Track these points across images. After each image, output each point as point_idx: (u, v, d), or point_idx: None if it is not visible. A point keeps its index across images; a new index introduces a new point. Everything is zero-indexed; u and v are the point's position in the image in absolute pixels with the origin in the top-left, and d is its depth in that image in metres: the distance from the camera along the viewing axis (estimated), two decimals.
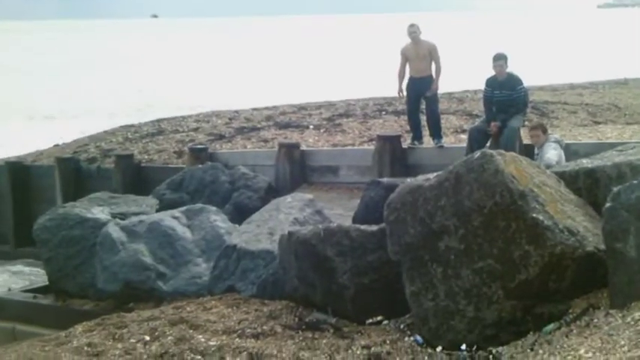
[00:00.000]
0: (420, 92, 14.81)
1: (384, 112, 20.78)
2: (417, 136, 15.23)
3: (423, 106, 15.28)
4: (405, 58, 14.82)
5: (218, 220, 12.72)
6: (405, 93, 15.08)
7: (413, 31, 14.59)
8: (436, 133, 14.99)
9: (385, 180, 11.97)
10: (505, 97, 13.28)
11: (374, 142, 16.07)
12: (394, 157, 14.75)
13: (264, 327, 8.19)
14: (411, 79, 14.93)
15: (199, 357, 7.36)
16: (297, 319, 8.54)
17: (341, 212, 13.01)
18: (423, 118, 15.42)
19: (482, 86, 14.10)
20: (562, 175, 8.17)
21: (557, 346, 5.57)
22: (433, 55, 14.62)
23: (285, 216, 11.10)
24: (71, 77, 58.82)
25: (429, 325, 7.27)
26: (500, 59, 13.23)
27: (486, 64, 13.48)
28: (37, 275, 15.37)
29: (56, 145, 24.46)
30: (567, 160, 11.04)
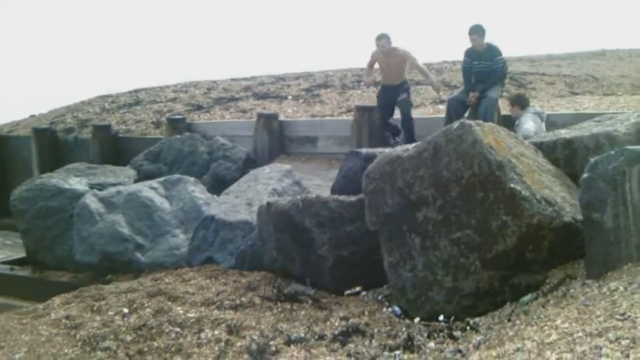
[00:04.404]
0: (392, 100, 14.42)
1: (362, 83, 20.74)
2: (396, 133, 14.66)
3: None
4: (374, 60, 14.63)
5: (196, 190, 12.70)
6: (372, 82, 15.43)
7: (381, 44, 14.06)
8: (409, 139, 13.71)
9: (364, 150, 11.94)
10: (484, 68, 13.29)
11: (352, 113, 16.07)
12: (372, 127, 14.74)
13: (243, 298, 8.18)
14: (382, 87, 14.74)
15: (178, 329, 7.33)
16: (275, 290, 8.54)
17: (319, 183, 13.02)
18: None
19: (461, 57, 14.08)
20: (540, 146, 8.18)
21: (534, 317, 5.59)
22: (410, 63, 14.28)
23: (264, 186, 11.09)
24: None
25: (407, 296, 7.28)
26: (474, 32, 13.21)
27: (465, 34, 13.45)
28: (14, 247, 15.30)
29: (32, 116, 24.32)
30: (546, 131, 11.07)
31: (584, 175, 6.18)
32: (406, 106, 14.17)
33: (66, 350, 7.13)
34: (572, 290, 5.90)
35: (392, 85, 14.32)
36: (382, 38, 13.97)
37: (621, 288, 5.24)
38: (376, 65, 14.87)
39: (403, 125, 14.41)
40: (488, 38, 13.35)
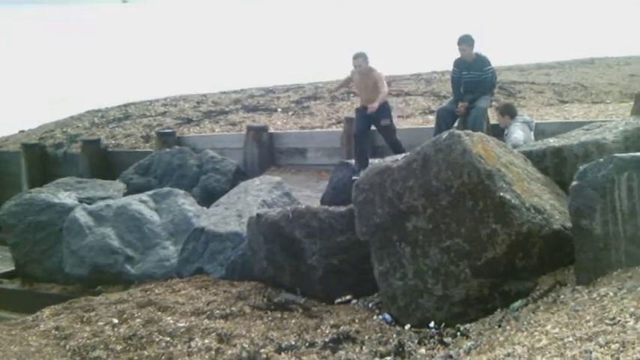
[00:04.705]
0: (370, 122, 12.95)
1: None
2: (363, 165, 11.99)
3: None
4: (351, 80, 13.34)
5: (186, 203, 12.68)
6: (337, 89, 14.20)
7: (358, 64, 12.64)
8: None
9: (353, 162, 11.99)
10: (473, 78, 13.26)
11: (342, 124, 16.07)
12: None
13: (233, 308, 8.19)
14: (360, 108, 13.14)
15: (168, 338, 7.33)
16: (265, 299, 8.56)
17: (309, 194, 13.03)
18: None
19: (450, 67, 14.09)
20: (529, 155, 8.23)
21: (525, 322, 5.61)
22: (379, 85, 12.66)
23: (254, 198, 11.09)
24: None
25: (398, 303, 7.30)
26: (463, 42, 13.16)
27: (454, 44, 13.44)
28: (3, 260, 15.25)
29: (22, 131, 24.24)
30: (535, 139, 11.10)
31: (574, 183, 6.22)
32: (390, 135, 12.99)
33: None
34: (562, 296, 5.93)
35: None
36: (359, 57, 12.71)
37: (611, 293, 5.27)
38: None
39: (392, 150, 12.74)
40: (478, 48, 13.36)
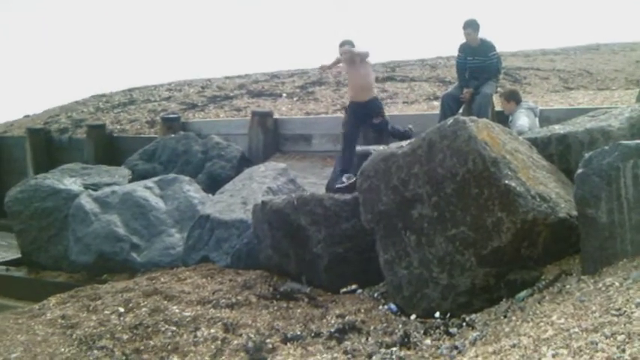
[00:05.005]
0: (362, 118, 12.33)
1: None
2: (346, 169, 11.79)
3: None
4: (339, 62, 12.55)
5: (191, 190, 12.70)
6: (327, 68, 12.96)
7: (344, 51, 12.01)
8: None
9: (358, 148, 11.92)
10: (478, 64, 13.23)
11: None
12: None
13: (239, 297, 8.19)
14: (350, 105, 12.54)
15: (174, 328, 7.34)
16: (271, 288, 8.56)
17: (314, 181, 13.01)
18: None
19: (455, 53, 14.05)
20: (534, 142, 8.18)
21: (530, 313, 5.59)
22: (363, 57, 12.12)
23: (259, 185, 11.09)
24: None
25: (403, 293, 7.29)
26: (468, 27, 13.10)
27: (459, 30, 13.41)
28: (10, 247, 15.30)
29: (26, 116, 24.30)
30: (540, 126, 11.07)
31: (579, 171, 6.18)
32: (383, 131, 12.37)
33: (62, 349, 7.14)
34: (567, 286, 5.90)
35: (360, 102, 12.22)
36: (345, 44, 12.03)
37: (617, 283, 5.25)
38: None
39: (395, 137, 12.20)
40: (483, 33, 13.32)
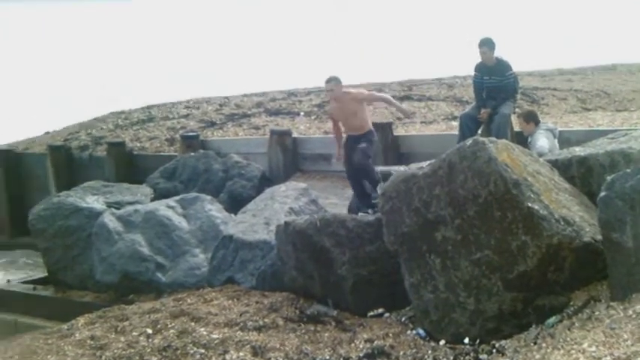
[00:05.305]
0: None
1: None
2: (365, 204, 11.06)
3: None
4: (332, 114, 11.86)
5: (213, 209, 12.77)
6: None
7: (329, 88, 11.20)
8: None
9: (379, 168, 11.87)
10: (494, 83, 13.17)
11: None
12: (386, 144, 14.63)
13: (266, 319, 8.26)
14: (348, 138, 11.58)
15: (202, 350, 7.43)
16: (298, 311, 8.61)
17: (335, 201, 12.99)
18: None
19: (471, 72, 14.03)
20: (555, 164, 8.20)
21: (560, 340, 5.62)
22: (369, 100, 11.88)
23: (281, 205, 11.13)
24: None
25: (431, 317, 7.32)
26: (484, 45, 12.99)
27: (475, 49, 13.37)
28: (35, 266, 15.43)
29: (47, 133, 24.42)
30: (560, 148, 11.09)
31: (602, 194, 6.21)
32: (361, 157, 11.09)
33: None
34: (597, 312, 5.91)
35: (355, 135, 11.37)
36: (330, 81, 11.19)
37: None
38: None
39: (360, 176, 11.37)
40: (499, 52, 13.29)
